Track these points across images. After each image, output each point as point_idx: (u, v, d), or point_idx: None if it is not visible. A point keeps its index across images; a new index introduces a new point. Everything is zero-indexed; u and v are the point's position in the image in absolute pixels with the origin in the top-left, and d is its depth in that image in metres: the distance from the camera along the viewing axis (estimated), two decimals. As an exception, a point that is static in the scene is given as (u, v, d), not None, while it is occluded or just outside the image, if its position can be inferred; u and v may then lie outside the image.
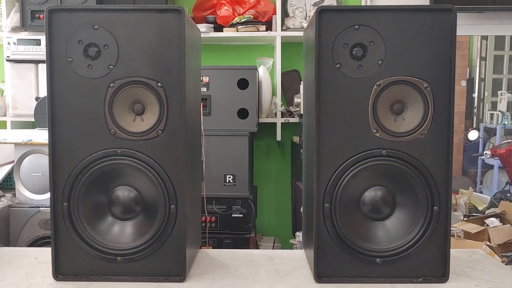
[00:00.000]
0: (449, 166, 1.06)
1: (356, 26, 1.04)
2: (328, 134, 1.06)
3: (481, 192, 4.99)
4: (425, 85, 1.05)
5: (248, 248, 2.31)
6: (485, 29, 3.24)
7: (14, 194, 2.43)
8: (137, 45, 1.03)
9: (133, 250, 1.07)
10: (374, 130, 1.06)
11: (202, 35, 2.51)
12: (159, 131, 1.05)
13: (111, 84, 1.04)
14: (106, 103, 1.05)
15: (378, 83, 1.04)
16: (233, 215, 2.34)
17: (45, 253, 1.24)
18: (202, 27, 2.55)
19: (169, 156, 1.05)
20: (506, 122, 5.87)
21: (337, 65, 1.05)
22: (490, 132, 6.23)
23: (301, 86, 2.63)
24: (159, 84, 1.04)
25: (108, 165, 1.06)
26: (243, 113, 2.38)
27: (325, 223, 1.07)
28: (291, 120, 2.67)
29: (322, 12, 1.04)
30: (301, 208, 2.28)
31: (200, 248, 1.37)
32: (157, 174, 1.06)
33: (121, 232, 1.08)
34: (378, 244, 1.07)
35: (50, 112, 1.05)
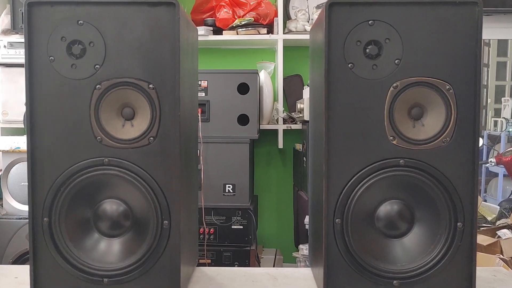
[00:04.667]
0: (475, 178, 0.98)
1: (370, 22, 0.96)
2: (339, 142, 0.98)
3: (485, 201, 4.89)
4: (447, 87, 0.97)
5: (249, 261, 2.22)
6: (491, 33, 3.15)
7: (1, 205, 2.32)
8: (127, 42, 0.96)
9: (122, 270, 1.00)
10: (391, 137, 0.99)
11: (201, 38, 2.46)
12: (151, 138, 0.98)
13: (98, 86, 0.97)
14: (91, 107, 0.97)
15: (394, 84, 0.97)
16: (232, 227, 2.27)
17: (27, 271, 1.13)
18: (200, 30, 2.49)
19: (162, 166, 0.98)
20: (510, 129, 5.78)
21: (349, 65, 0.98)
22: (494, 139, 6.15)
23: (304, 91, 2.57)
24: (150, 85, 0.97)
25: (94, 176, 0.98)
26: (243, 120, 2.31)
27: (335, 240, 1.00)
28: (294, 126, 2.60)
29: (333, 6, 0.96)
30: (305, 220, 2.19)
31: (198, 261, 1.27)
32: (148, 186, 0.98)
33: (108, 251, 1.01)
34: (395, 264, 1.00)
35: (29, 116, 0.97)
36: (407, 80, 0.97)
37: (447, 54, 0.97)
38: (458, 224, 0.98)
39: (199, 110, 2.25)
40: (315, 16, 2.61)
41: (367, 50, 0.97)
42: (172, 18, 0.95)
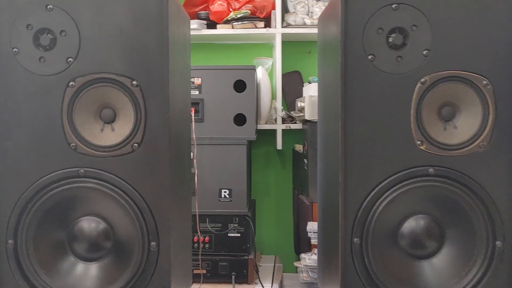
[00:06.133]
0: (517, 189, 0.92)
1: (394, 5, 0.90)
2: (358, 147, 0.92)
3: None
4: (485, 82, 0.91)
5: (247, 271, 2.11)
6: None
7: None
8: (105, 31, 0.90)
9: (102, 301, 0.92)
10: (418, 142, 0.92)
11: (194, 32, 2.40)
12: (135, 144, 0.91)
13: (71, 83, 0.90)
14: (64, 108, 0.91)
15: (422, 80, 0.91)
16: (229, 235, 2.13)
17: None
18: (193, 23, 2.37)
19: (148, 178, 0.91)
20: None
21: (370, 57, 0.91)
22: None
23: (304, 89, 2.47)
24: (134, 82, 0.90)
25: (68, 190, 0.92)
26: (240, 119, 2.20)
27: (353, 261, 0.93)
28: (293, 126, 2.49)
29: (350, -13, 0.91)
30: (307, 227, 2.07)
31: (191, 283, 1.14)
32: (132, 201, 0.91)
33: (86, 277, 0.93)
34: (422, 290, 0.93)
35: (-11, 120, 0.90)
36: (437, 75, 0.91)
37: (485, 43, 0.90)
38: (497, 242, 0.92)
39: (192, 109, 2.13)
40: (315, 9, 2.51)
41: (391, 39, 0.91)
42: (159, 2, 0.89)
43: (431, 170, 0.91)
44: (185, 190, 1.11)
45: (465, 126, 0.92)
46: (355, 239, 0.91)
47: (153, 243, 0.90)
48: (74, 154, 0.90)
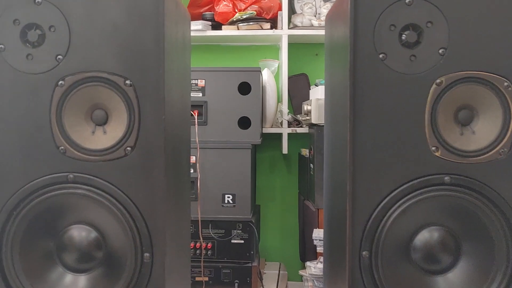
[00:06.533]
0: (540, 199, 0.87)
1: (407, 0, 0.85)
2: (368, 153, 0.87)
3: None
4: (506, 83, 0.87)
5: (250, 279, 2.09)
6: None
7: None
8: (97, 26, 0.86)
9: (91, 315, 0.89)
10: (433, 148, 0.88)
11: (198, 33, 2.38)
12: (128, 148, 0.87)
13: (60, 82, 0.87)
14: (52, 109, 0.87)
15: (438, 80, 0.87)
16: (232, 241, 2.10)
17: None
18: (198, 24, 2.36)
19: (142, 184, 0.87)
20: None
21: (381, 56, 0.87)
22: None
23: (311, 92, 2.45)
24: (127, 81, 0.86)
25: (56, 197, 0.88)
26: (244, 123, 2.16)
27: (362, 276, 0.89)
28: (299, 130, 2.47)
29: (359, -20, 0.88)
30: (313, 234, 2.04)
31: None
32: (125, 209, 0.87)
33: None
34: (437, 308, 0.89)
35: (-26, 121, 0.87)
36: (454, 75, 0.87)
37: (506, 42, 0.86)
38: (519, 257, 0.87)
39: (196, 112, 2.11)
40: (323, 10, 2.48)
41: (404, 37, 0.87)
42: None
43: (446, 178, 0.87)
44: (182, 196, 1.05)
45: (484, 131, 0.88)
46: (364, 252, 0.87)
47: (146, 254, 0.86)
48: (63, 158, 0.87)
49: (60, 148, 0.86)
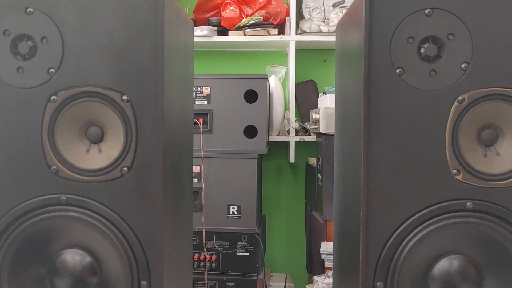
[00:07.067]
0: None
1: (427, 10, 0.80)
2: (383, 177, 0.82)
3: None
4: None
5: None
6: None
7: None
8: (92, 38, 0.82)
9: None
10: (454, 171, 0.83)
11: (204, 39, 2.36)
12: (124, 168, 0.83)
13: (53, 97, 0.83)
14: (44, 125, 0.83)
15: (460, 98, 0.83)
16: (237, 253, 2.08)
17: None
18: (204, 30, 2.34)
19: (139, 207, 0.83)
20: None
21: (398, 70, 0.82)
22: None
23: (319, 100, 2.41)
24: (124, 97, 0.82)
25: (48, 219, 0.84)
26: (250, 131, 2.14)
27: None
28: (307, 138, 2.45)
29: (375, -11, 0.82)
30: (321, 248, 1.99)
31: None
32: (121, 234, 0.83)
33: None
34: None
35: (-40, 138, 0.84)
36: (477, 92, 0.82)
37: None
38: (547, 291, 0.82)
39: (200, 120, 2.06)
40: (332, 16, 2.42)
41: (423, 50, 0.82)
42: (154, 6, 0.80)
43: (469, 204, 0.83)
44: (184, 211, 1.01)
45: (509, 153, 0.83)
46: (378, 283, 0.82)
47: (143, 282, 0.82)
48: (55, 178, 0.83)
49: (52, 167, 0.83)
